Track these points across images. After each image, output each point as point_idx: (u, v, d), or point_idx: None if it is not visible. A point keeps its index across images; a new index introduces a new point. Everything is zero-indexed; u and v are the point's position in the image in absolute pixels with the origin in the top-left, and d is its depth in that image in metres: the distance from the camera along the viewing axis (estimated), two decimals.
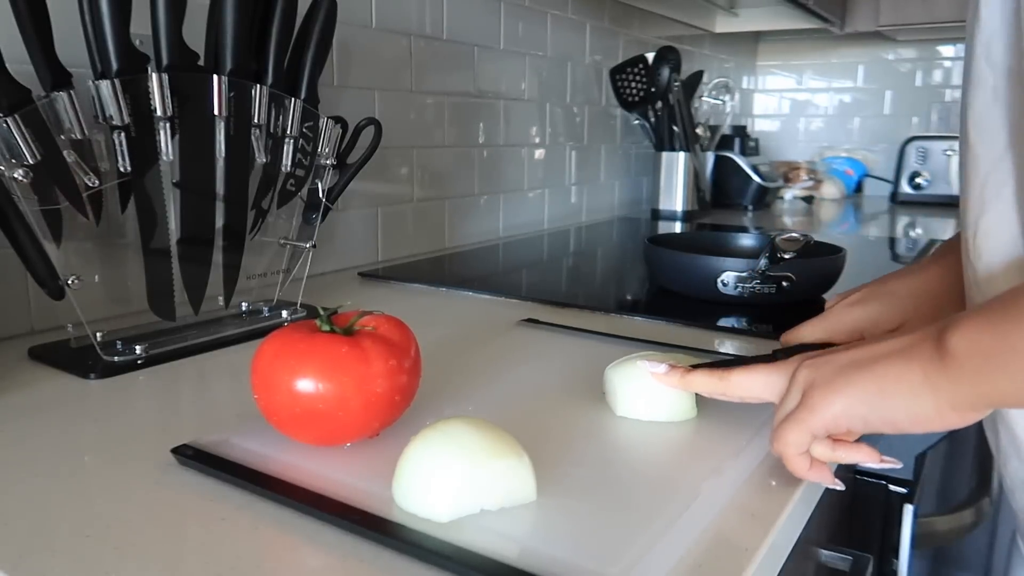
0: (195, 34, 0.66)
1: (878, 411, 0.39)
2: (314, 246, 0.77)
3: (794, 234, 0.81)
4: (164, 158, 0.63)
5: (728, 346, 0.71)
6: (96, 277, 0.64)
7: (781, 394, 0.44)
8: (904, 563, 0.66)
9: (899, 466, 0.45)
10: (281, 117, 0.70)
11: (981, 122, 0.44)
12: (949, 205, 2.04)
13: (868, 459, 0.43)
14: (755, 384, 0.46)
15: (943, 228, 1.68)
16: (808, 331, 0.58)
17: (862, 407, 0.39)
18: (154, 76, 0.61)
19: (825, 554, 0.60)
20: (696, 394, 0.52)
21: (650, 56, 1.61)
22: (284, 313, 0.76)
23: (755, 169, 1.92)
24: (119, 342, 0.64)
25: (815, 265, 0.84)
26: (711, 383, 0.48)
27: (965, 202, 0.47)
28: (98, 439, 0.48)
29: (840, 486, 0.43)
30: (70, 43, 0.61)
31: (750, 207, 1.93)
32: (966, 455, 0.87)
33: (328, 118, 0.74)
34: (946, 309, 0.53)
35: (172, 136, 0.63)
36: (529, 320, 0.77)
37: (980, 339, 0.36)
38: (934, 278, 0.56)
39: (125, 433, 0.49)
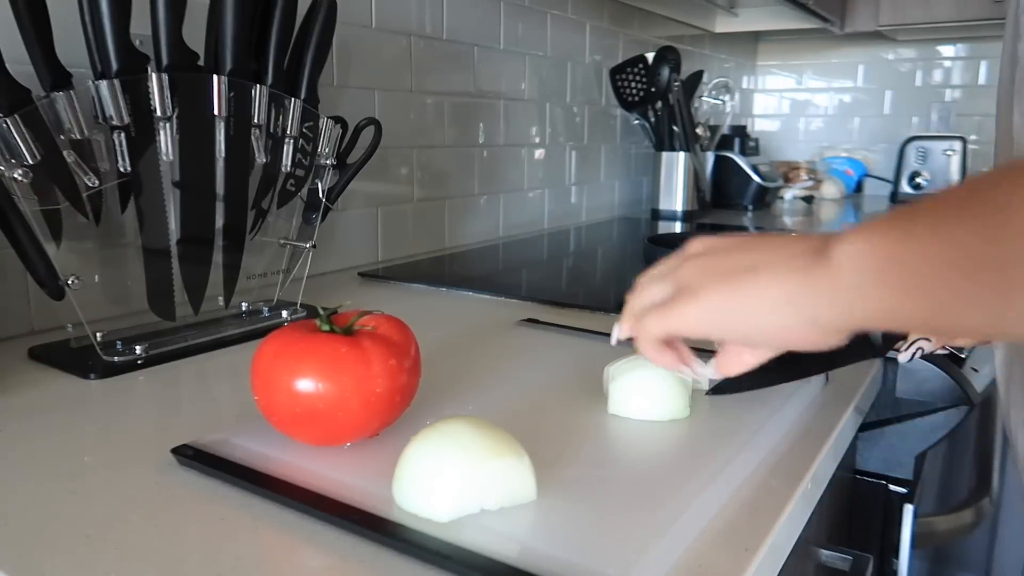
0: (195, 34, 0.65)
1: (738, 321, 0.38)
2: (314, 246, 0.77)
3: (794, 234, 0.81)
4: (164, 158, 0.63)
5: None
6: (96, 277, 0.64)
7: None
8: (904, 563, 0.66)
9: (705, 376, 0.45)
10: (281, 117, 0.70)
11: None
12: None
13: (679, 366, 0.44)
14: (646, 300, 0.43)
15: None
16: None
17: (724, 317, 0.38)
18: (154, 76, 0.61)
19: (825, 554, 0.60)
20: (690, 394, 0.52)
21: (650, 56, 1.61)
22: (284, 313, 0.76)
23: (755, 169, 1.92)
24: (119, 342, 0.64)
25: None
26: (640, 344, 0.44)
27: None
28: (98, 439, 0.48)
29: (688, 374, 0.45)
30: (70, 43, 0.61)
31: (750, 207, 1.93)
32: (966, 455, 0.87)
33: (328, 118, 0.74)
34: None
35: (172, 136, 0.63)
36: (529, 320, 0.77)
37: (864, 251, 0.33)
38: None
39: (125, 433, 0.49)
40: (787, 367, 0.46)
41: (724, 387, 0.53)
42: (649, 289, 0.44)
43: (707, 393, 0.53)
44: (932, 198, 0.32)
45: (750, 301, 0.37)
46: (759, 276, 0.37)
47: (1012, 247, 0.29)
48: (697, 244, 0.43)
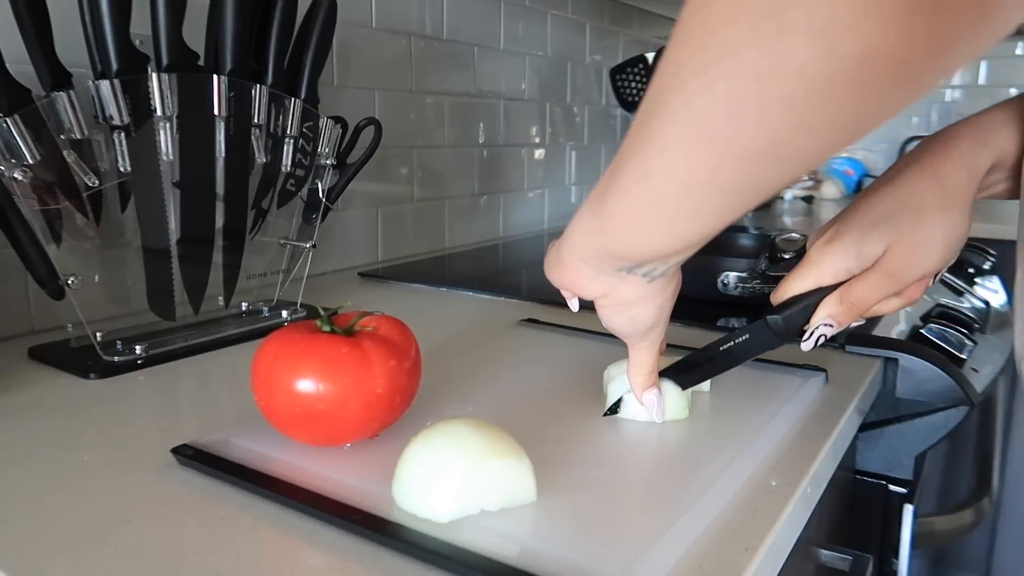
0: (195, 34, 0.65)
1: (549, 269, 0.46)
2: (314, 246, 0.77)
3: (794, 234, 0.81)
4: (164, 158, 0.63)
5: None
6: (96, 277, 0.64)
7: None
8: (904, 563, 0.66)
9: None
10: (281, 117, 0.70)
11: None
12: None
13: None
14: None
15: None
16: (794, 284, 0.50)
17: (546, 266, 0.46)
18: (154, 76, 0.61)
19: (825, 554, 0.60)
20: (689, 394, 0.52)
21: (650, 56, 1.61)
22: (284, 313, 0.76)
23: None
24: (119, 342, 0.64)
25: None
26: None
27: None
28: (98, 439, 0.48)
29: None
30: (70, 43, 0.61)
31: None
32: (966, 455, 0.87)
33: (328, 118, 0.74)
34: (935, 219, 0.45)
35: (172, 136, 0.63)
36: (529, 320, 0.77)
37: (602, 183, 0.37)
38: (914, 183, 0.46)
39: (125, 433, 0.49)
40: (710, 366, 0.52)
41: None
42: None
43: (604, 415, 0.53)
44: None
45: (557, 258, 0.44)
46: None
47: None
48: None
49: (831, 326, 0.47)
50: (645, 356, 0.49)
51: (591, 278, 0.42)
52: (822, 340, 0.48)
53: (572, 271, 0.43)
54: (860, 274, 0.46)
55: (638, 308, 0.45)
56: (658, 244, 0.37)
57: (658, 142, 0.31)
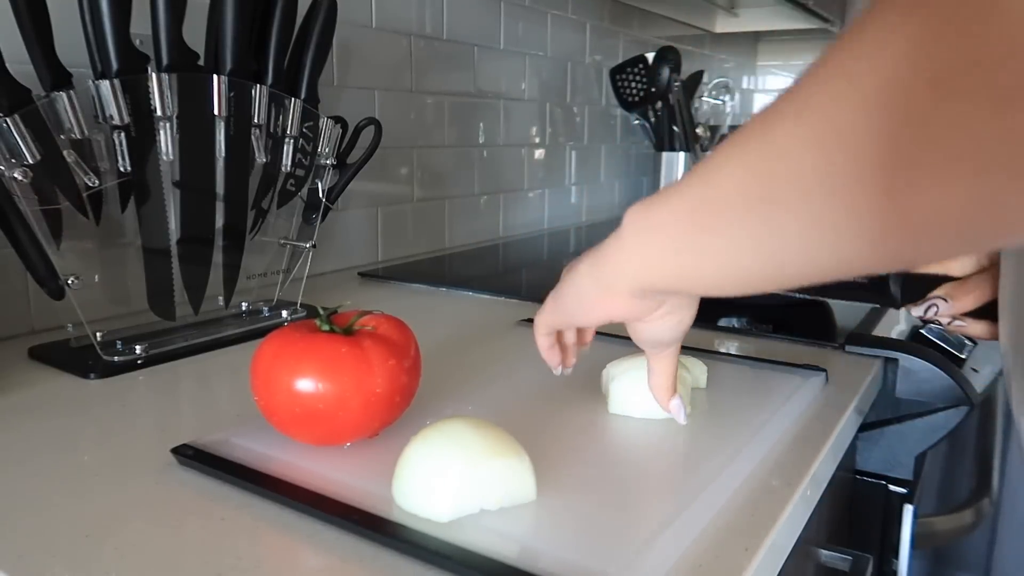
0: (195, 34, 0.66)
1: (561, 299, 0.45)
2: (314, 246, 0.77)
3: None
4: (164, 158, 0.63)
5: (728, 346, 0.71)
6: (96, 277, 0.64)
7: None
8: (904, 563, 0.66)
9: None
10: (281, 117, 0.70)
11: None
12: None
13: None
14: (543, 319, 0.50)
15: None
16: (928, 267, 0.56)
17: (554, 299, 0.46)
18: (154, 76, 0.61)
19: (825, 554, 0.60)
20: (689, 393, 0.52)
21: (650, 56, 1.61)
22: (284, 313, 0.76)
23: None
24: (119, 342, 0.64)
25: None
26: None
27: None
28: (98, 439, 0.48)
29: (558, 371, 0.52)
30: (70, 43, 0.61)
31: None
32: (966, 455, 0.87)
33: (328, 118, 0.74)
34: None
35: (172, 136, 0.63)
36: (529, 320, 0.77)
37: (635, 218, 0.37)
38: None
39: (125, 433, 0.49)
40: None
41: None
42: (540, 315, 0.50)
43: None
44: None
45: (578, 276, 0.43)
46: (589, 257, 0.42)
47: (716, 202, 0.32)
48: None
49: (945, 300, 0.52)
50: (668, 363, 0.48)
51: (645, 302, 0.41)
52: (934, 312, 0.52)
53: (623, 301, 0.41)
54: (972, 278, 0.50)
55: (686, 312, 0.44)
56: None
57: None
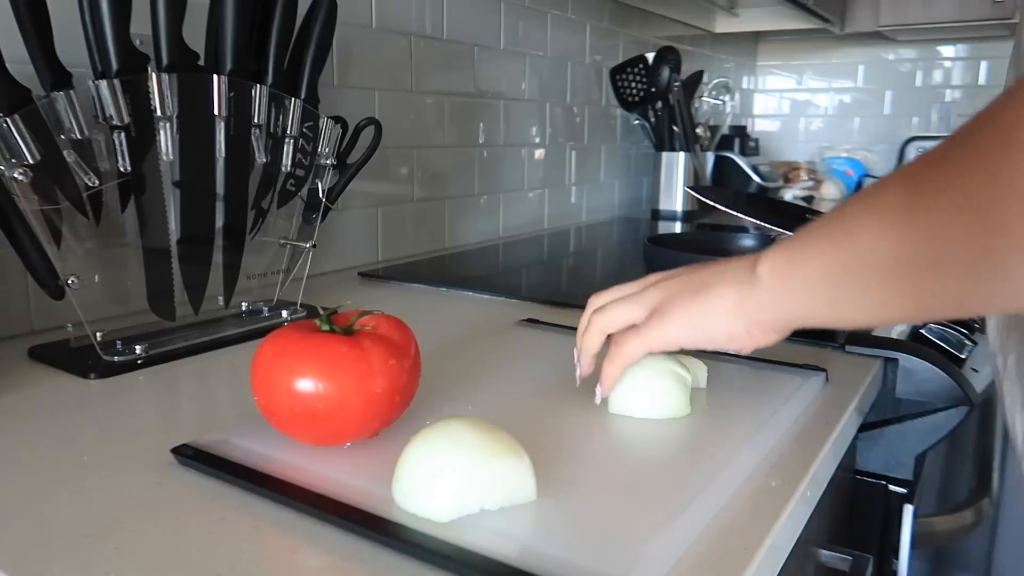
0: (195, 34, 0.66)
1: (702, 331, 0.46)
2: (314, 246, 0.77)
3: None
4: (164, 158, 0.63)
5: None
6: (96, 277, 0.64)
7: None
8: (904, 563, 0.66)
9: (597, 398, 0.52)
10: (281, 117, 0.70)
11: None
12: None
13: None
14: (620, 320, 0.50)
15: None
16: None
17: (691, 329, 0.46)
18: (154, 76, 0.61)
19: (825, 554, 0.60)
20: (689, 392, 0.52)
21: (650, 56, 1.61)
22: (284, 313, 0.76)
23: (755, 169, 1.92)
24: (119, 342, 0.64)
25: None
26: (614, 362, 0.50)
27: None
28: (98, 439, 0.48)
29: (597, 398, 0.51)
30: (70, 43, 0.61)
31: None
32: (966, 455, 0.87)
33: (328, 118, 0.74)
34: None
35: (172, 136, 0.63)
36: (529, 320, 0.77)
37: (778, 266, 0.42)
38: None
39: (125, 433, 0.49)
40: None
41: None
42: (617, 312, 0.50)
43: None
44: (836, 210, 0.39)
45: (708, 312, 0.45)
46: (712, 291, 0.45)
47: (854, 261, 0.36)
48: (654, 276, 0.51)
49: None
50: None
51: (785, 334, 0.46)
52: None
53: (775, 337, 0.45)
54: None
55: None
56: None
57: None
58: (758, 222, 0.64)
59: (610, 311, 0.50)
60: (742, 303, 0.44)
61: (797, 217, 0.60)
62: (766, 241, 0.81)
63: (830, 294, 0.38)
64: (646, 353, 0.49)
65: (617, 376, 0.50)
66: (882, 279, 0.35)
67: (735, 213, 0.63)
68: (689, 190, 0.65)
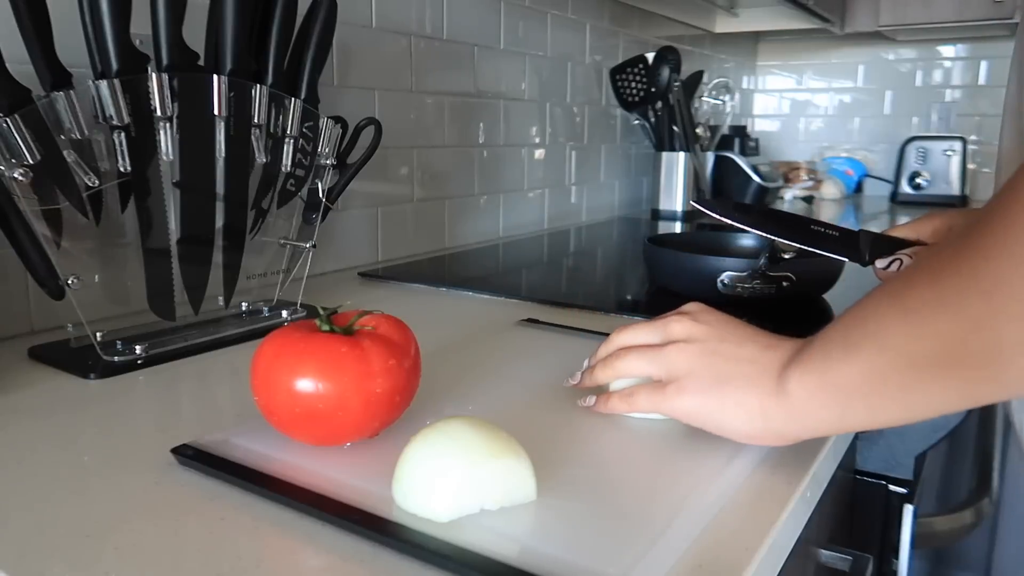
0: (195, 34, 0.66)
1: (712, 422, 0.46)
2: (314, 246, 0.77)
3: None
4: (164, 158, 0.63)
5: None
6: (96, 277, 0.64)
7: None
8: (904, 563, 0.66)
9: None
10: (281, 117, 0.70)
11: None
12: (949, 205, 2.03)
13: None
14: (637, 372, 0.50)
15: None
16: (900, 231, 0.63)
17: (703, 416, 0.46)
18: (154, 76, 0.61)
19: (825, 554, 0.60)
20: None
21: (650, 56, 1.61)
22: (284, 313, 0.76)
23: (755, 169, 1.92)
24: (119, 342, 0.64)
25: (815, 265, 0.84)
26: (624, 404, 0.51)
27: None
28: (98, 439, 0.48)
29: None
30: (70, 43, 0.61)
31: None
32: (966, 455, 0.87)
33: (328, 118, 0.74)
34: None
35: (172, 136, 0.63)
36: (529, 320, 0.77)
37: (806, 381, 0.41)
38: None
39: (125, 433, 0.49)
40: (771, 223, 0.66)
41: None
42: (636, 365, 0.50)
43: None
44: (858, 312, 0.40)
45: (724, 409, 0.45)
46: (731, 387, 0.45)
47: (887, 364, 0.37)
48: (677, 324, 0.50)
49: (910, 256, 0.60)
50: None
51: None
52: (896, 266, 0.60)
53: (785, 442, 0.45)
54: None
55: None
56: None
57: None
58: (764, 234, 0.66)
59: (631, 361, 0.50)
60: (766, 412, 0.43)
61: (808, 232, 0.62)
62: (767, 242, 0.81)
63: (867, 400, 0.38)
64: (653, 412, 0.49)
65: (623, 412, 0.51)
66: (920, 375, 0.36)
67: (744, 227, 0.65)
68: (694, 203, 0.66)
